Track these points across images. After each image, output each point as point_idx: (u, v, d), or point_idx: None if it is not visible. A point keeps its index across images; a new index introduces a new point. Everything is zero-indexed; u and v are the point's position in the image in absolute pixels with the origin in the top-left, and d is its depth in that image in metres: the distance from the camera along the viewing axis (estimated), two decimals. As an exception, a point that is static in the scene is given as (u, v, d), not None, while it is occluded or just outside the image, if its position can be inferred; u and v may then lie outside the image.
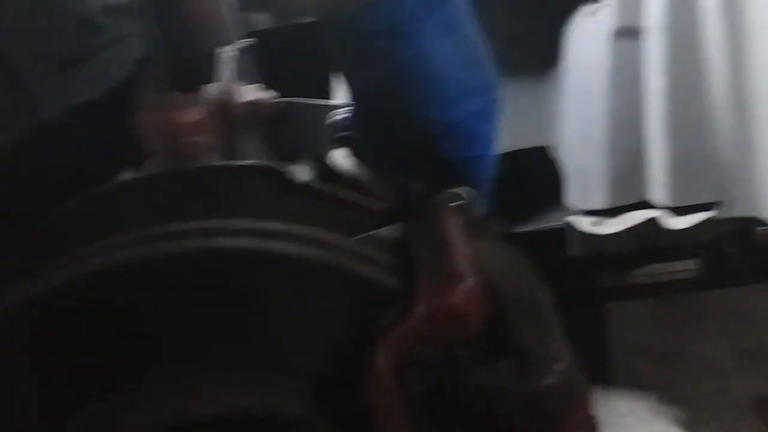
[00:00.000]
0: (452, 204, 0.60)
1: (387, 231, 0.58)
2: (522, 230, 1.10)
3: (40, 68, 0.85)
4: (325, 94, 0.86)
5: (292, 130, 0.81)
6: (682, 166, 1.00)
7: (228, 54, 0.71)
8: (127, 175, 0.84)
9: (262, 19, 0.99)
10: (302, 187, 0.58)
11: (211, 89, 0.69)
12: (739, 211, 0.98)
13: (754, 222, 0.98)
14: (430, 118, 0.60)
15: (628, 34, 0.97)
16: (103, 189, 0.58)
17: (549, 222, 1.11)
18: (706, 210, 1.02)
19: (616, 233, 1.05)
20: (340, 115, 0.79)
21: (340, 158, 0.77)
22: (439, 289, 0.49)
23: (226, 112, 0.68)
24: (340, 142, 0.79)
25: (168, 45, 0.75)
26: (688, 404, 1.27)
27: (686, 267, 1.13)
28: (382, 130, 0.64)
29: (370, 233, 0.58)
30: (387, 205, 0.61)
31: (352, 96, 0.64)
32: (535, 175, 1.13)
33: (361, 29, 0.57)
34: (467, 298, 0.48)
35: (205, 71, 0.71)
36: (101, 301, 0.51)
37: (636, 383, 1.28)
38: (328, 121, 0.79)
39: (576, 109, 1.05)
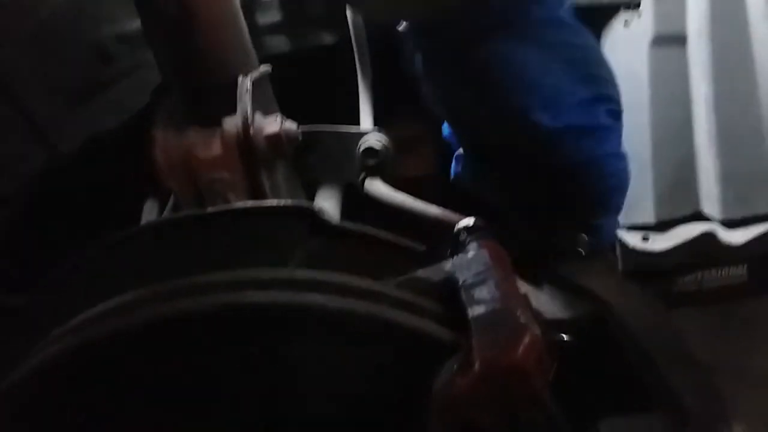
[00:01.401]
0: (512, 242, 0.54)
1: (431, 272, 0.52)
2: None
3: (54, 102, 0.82)
4: (351, 119, 0.80)
5: (320, 160, 0.76)
6: (735, 176, 0.93)
7: (246, 83, 0.66)
8: (148, 213, 0.80)
9: (279, 43, 0.95)
10: (336, 228, 0.52)
11: (230, 122, 0.64)
12: (799, 221, 0.91)
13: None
14: (539, 123, 0.58)
15: (669, 41, 0.92)
16: (117, 238, 0.53)
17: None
18: (763, 221, 0.95)
19: (668, 249, 0.98)
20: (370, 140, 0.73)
21: (376, 187, 0.71)
22: (497, 341, 0.43)
23: (248, 146, 0.63)
24: (373, 170, 0.73)
25: (182, 75, 0.70)
26: (748, 419, 1.19)
27: (734, 273, 1.06)
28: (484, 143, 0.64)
29: (412, 275, 0.52)
30: (430, 242, 0.55)
31: (448, 113, 0.66)
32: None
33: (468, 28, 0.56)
34: (530, 351, 0.42)
35: (223, 102, 0.66)
36: (117, 365, 0.46)
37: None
38: (358, 147, 0.74)
39: (617, 121, 0.99)
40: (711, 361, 1.30)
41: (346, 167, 0.74)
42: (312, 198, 0.82)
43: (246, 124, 0.63)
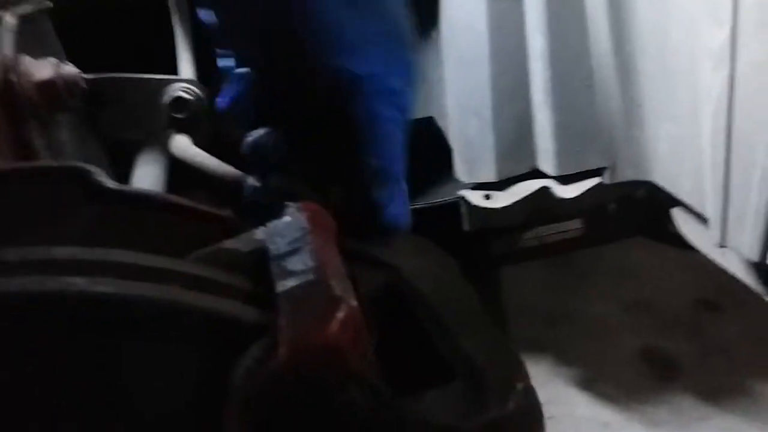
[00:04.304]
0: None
1: (239, 243, 0.44)
2: (413, 206, 1.02)
3: None
4: (154, 64, 0.69)
5: (119, 114, 0.64)
6: (568, 131, 0.95)
7: (8, 17, 0.52)
8: None
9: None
10: (117, 194, 0.43)
11: (-14, 64, 0.51)
12: (626, 176, 0.95)
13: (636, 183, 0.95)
14: (331, 66, 0.50)
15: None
16: None
17: (440, 197, 1.03)
18: (594, 176, 0.99)
19: (508, 205, 0.99)
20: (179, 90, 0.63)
21: (180, 144, 0.61)
22: (307, 318, 0.37)
23: (10, 96, 0.50)
24: (182, 125, 0.63)
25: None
26: (583, 362, 1.30)
27: (571, 227, 1.11)
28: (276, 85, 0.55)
29: (215, 247, 0.44)
30: (235, 206, 0.47)
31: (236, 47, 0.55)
32: (423, 148, 1.04)
33: None
34: (346, 326, 0.36)
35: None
36: None
37: (531, 346, 1.28)
38: (163, 98, 0.63)
39: (457, 77, 0.97)
40: (551, 311, 1.40)
41: (149, 121, 0.63)
42: (129, 164, 0.70)
43: (6, 68, 0.50)
